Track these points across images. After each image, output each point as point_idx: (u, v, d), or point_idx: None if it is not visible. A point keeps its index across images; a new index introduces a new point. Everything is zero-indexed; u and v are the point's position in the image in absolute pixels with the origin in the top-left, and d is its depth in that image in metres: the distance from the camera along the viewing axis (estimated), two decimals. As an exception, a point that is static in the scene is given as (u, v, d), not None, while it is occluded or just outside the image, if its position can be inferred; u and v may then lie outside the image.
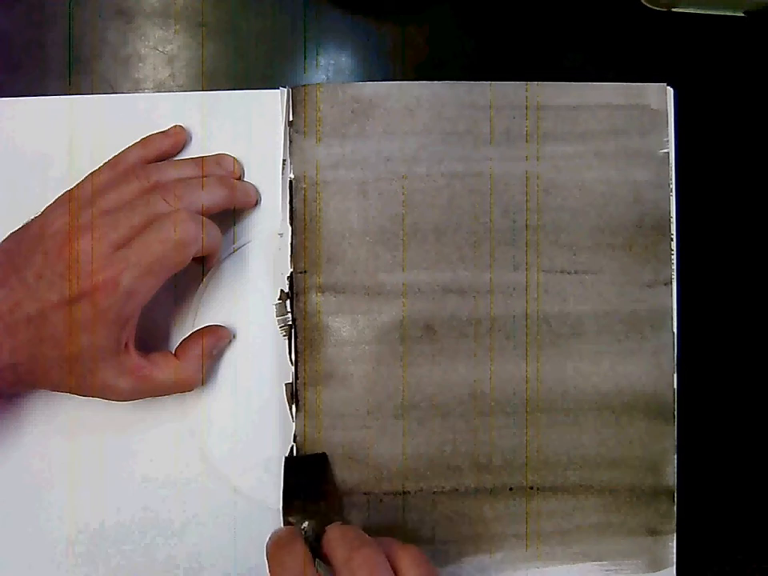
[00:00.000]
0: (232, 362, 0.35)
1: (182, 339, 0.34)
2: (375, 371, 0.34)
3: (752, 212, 0.37)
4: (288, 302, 0.34)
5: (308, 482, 0.33)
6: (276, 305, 0.35)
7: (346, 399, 0.34)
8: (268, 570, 0.28)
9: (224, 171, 0.34)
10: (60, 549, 0.34)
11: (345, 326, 0.34)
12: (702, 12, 0.37)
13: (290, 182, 0.34)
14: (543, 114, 0.35)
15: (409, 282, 0.34)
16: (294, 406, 0.34)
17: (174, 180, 0.32)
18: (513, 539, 0.34)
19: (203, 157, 0.34)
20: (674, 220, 0.35)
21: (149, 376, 0.31)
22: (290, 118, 0.35)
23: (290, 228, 0.34)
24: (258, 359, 0.35)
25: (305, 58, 0.37)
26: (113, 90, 0.36)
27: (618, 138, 0.35)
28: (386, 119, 0.34)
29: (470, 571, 0.34)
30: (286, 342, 0.34)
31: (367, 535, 0.28)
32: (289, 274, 0.34)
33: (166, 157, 0.34)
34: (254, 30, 0.37)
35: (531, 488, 0.34)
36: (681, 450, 0.34)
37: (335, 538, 0.28)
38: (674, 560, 0.34)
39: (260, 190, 0.35)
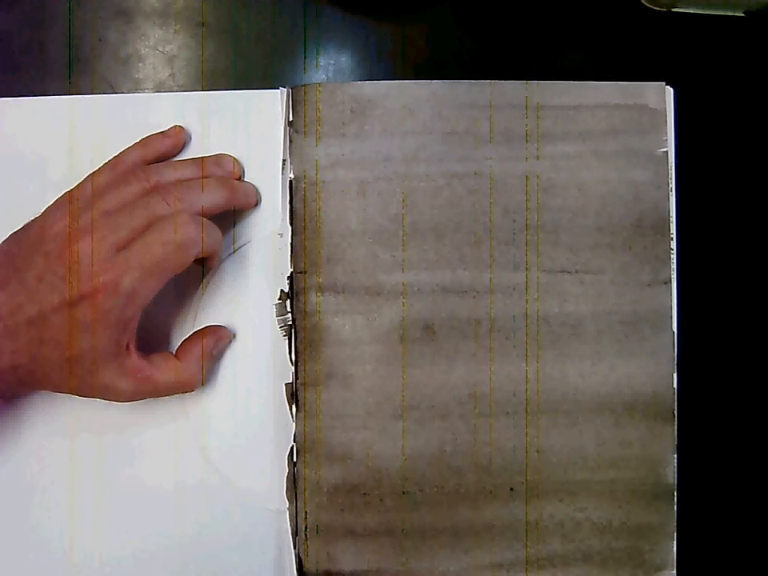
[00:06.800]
0: (232, 362, 0.35)
1: (182, 340, 0.34)
2: (375, 371, 0.34)
3: (752, 212, 0.37)
4: (288, 302, 0.34)
5: None
6: (276, 305, 0.35)
7: (346, 399, 0.34)
8: None
9: (224, 172, 0.34)
10: (60, 549, 0.34)
11: (345, 326, 0.34)
12: (702, 12, 0.37)
13: (290, 182, 0.34)
14: (543, 114, 0.35)
15: (408, 282, 0.34)
16: (293, 406, 0.34)
17: (175, 181, 0.32)
18: (513, 539, 0.34)
19: (203, 157, 0.34)
20: (673, 219, 0.35)
21: (149, 377, 0.31)
22: (290, 118, 0.35)
23: (289, 228, 0.34)
24: (257, 359, 0.35)
25: (305, 58, 0.37)
26: (113, 90, 0.36)
27: (618, 137, 0.35)
28: (385, 119, 0.34)
29: (469, 571, 0.34)
30: (286, 342, 0.34)
31: None
32: (289, 274, 0.34)
33: (165, 157, 0.34)
34: (253, 29, 0.37)
35: (531, 488, 0.34)
36: (681, 450, 0.34)
37: None
38: (675, 561, 0.34)
39: (260, 190, 0.35)
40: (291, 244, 0.34)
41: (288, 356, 0.34)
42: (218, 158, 0.34)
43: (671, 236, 0.35)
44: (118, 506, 0.34)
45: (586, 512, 0.34)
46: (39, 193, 0.34)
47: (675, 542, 0.34)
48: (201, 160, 0.34)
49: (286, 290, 0.34)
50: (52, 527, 0.34)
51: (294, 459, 0.34)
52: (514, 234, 0.35)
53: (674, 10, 0.37)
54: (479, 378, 0.34)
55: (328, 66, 0.37)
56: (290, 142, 0.35)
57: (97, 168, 0.33)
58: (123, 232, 0.29)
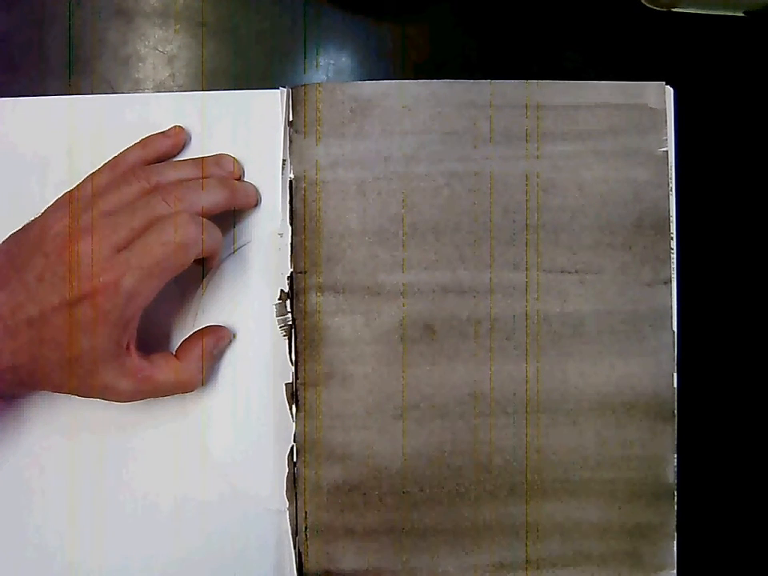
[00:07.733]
0: (232, 362, 0.35)
1: (182, 340, 0.34)
2: (375, 371, 0.34)
3: (752, 211, 0.37)
4: (288, 301, 0.34)
5: None
6: (276, 305, 0.35)
7: (346, 399, 0.34)
8: None
9: (224, 172, 0.34)
10: (59, 549, 0.34)
11: (345, 326, 0.34)
12: (702, 12, 0.37)
13: (290, 182, 0.34)
14: (543, 114, 0.35)
15: (408, 282, 0.34)
16: (293, 406, 0.34)
17: (175, 181, 0.32)
18: (513, 539, 0.34)
19: (203, 157, 0.34)
20: (673, 219, 0.35)
21: (150, 377, 0.31)
22: (290, 118, 0.35)
23: (289, 228, 0.34)
24: (258, 359, 0.35)
25: (305, 58, 0.37)
26: (113, 90, 0.36)
27: (617, 137, 0.35)
28: (384, 118, 0.34)
29: (469, 571, 0.34)
30: (286, 342, 0.34)
31: None
32: (289, 274, 0.34)
33: (165, 157, 0.34)
34: (254, 30, 0.37)
35: (531, 488, 0.34)
36: (681, 450, 0.34)
37: None
38: (675, 561, 0.34)
39: (260, 190, 0.35)
40: (291, 244, 0.34)
41: (288, 356, 0.34)
42: (218, 158, 0.34)
43: (671, 236, 0.35)
44: (118, 506, 0.34)
45: (585, 512, 0.34)
46: (39, 193, 0.34)
47: (675, 542, 0.34)
48: (201, 160, 0.34)
49: (286, 290, 0.34)
50: (51, 527, 0.34)
51: (294, 459, 0.34)
52: (513, 233, 0.35)
53: (673, 10, 0.37)
54: (479, 377, 0.34)
55: (328, 66, 0.37)
56: (290, 142, 0.35)
57: (97, 168, 0.33)
58: (123, 232, 0.29)
